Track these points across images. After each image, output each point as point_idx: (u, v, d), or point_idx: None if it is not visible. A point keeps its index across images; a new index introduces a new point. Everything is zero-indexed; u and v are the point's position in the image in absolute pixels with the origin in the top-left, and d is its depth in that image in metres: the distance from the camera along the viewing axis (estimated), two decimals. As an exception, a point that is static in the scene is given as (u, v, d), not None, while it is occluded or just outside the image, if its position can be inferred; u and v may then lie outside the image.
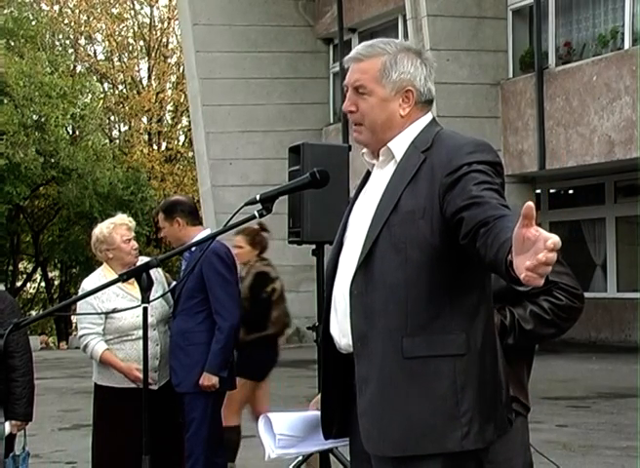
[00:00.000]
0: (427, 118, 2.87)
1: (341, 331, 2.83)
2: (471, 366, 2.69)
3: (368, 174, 2.94)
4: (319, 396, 3.06)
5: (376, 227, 2.74)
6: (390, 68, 2.80)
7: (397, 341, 2.68)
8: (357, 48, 2.87)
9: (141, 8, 34.24)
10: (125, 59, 34.25)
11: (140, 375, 4.95)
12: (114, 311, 5.21)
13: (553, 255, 2.15)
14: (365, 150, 2.92)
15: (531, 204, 2.18)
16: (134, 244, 5.40)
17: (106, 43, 33.77)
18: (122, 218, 5.49)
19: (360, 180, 2.96)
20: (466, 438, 2.66)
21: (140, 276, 3.42)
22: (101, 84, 33.64)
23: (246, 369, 6.69)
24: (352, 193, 5.82)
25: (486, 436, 2.71)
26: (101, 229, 5.41)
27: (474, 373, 2.69)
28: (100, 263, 5.60)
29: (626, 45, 14.13)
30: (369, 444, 2.75)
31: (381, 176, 2.84)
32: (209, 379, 5.25)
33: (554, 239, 2.14)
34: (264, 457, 3.03)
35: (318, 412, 3.01)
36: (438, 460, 2.68)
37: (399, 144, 2.82)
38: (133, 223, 5.52)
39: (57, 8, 33.25)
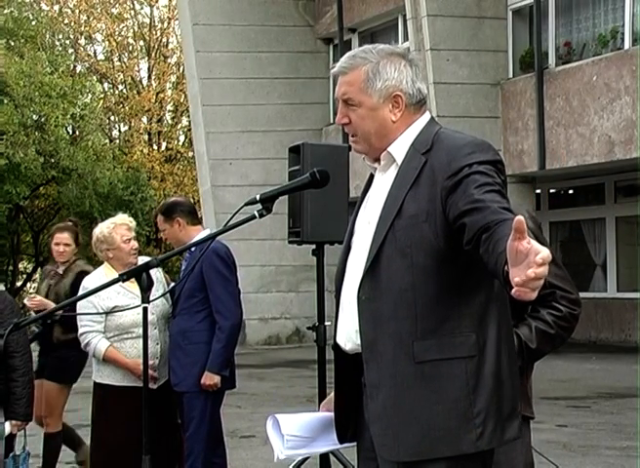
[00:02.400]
0: (425, 119, 2.86)
1: (347, 335, 2.83)
2: (483, 366, 2.68)
3: (371, 177, 2.95)
4: (330, 397, 3.06)
5: (381, 233, 2.74)
6: (374, 77, 2.80)
7: (408, 346, 2.68)
8: (341, 60, 2.87)
9: (141, 8, 34.22)
10: (125, 59, 34.22)
11: (150, 372, 4.96)
12: (116, 310, 5.21)
13: (543, 270, 2.16)
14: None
15: (521, 218, 2.18)
16: (134, 244, 5.40)
17: (106, 43, 33.74)
18: (122, 218, 5.50)
19: (365, 184, 2.96)
20: (481, 438, 2.66)
21: (140, 276, 3.42)
22: (101, 84, 33.62)
23: (63, 372, 6.65)
24: (352, 193, 5.84)
25: (506, 434, 2.71)
26: (102, 229, 5.42)
27: (487, 373, 2.69)
28: (100, 263, 5.61)
29: (626, 45, 14.12)
30: (383, 449, 2.75)
31: (384, 180, 2.84)
32: (211, 378, 5.25)
33: (543, 254, 2.15)
34: (274, 458, 3.02)
35: (328, 413, 3.01)
36: (442, 462, 2.67)
37: (399, 148, 2.81)
38: (133, 223, 5.52)
39: (57, 8, 33.23)
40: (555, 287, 3.27)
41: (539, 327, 3.23)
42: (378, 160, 2.88)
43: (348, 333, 2.82)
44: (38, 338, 6.61)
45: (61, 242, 6.72)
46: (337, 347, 2.91)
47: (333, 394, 3.03)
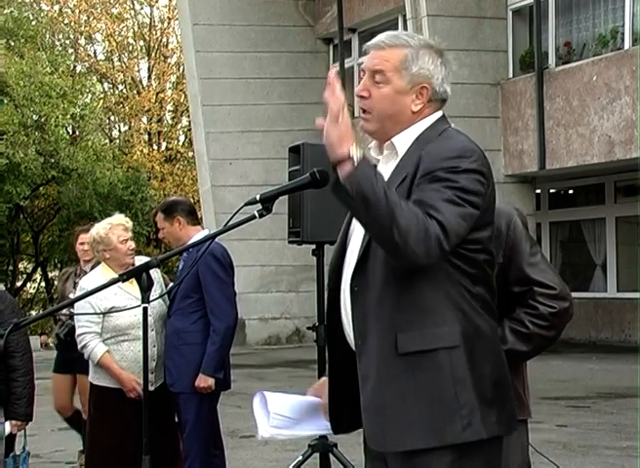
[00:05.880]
0: (437, 115, 2.85)
1: (350, 327, 2.83)
2: (468, 357, 2.67)
3: None
4: (319, 382, 3.07)
5: None
6: (411, 61, 2.79)
7: (392, 337, 2.68)
8: (380, 36, 2.86)
9: (141, 8, 34.23)
10: (125, 59, 34.23)
11: (139, 389, 4.99)
12: (113, 311, 5.20)
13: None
14: (372, 145, 2.92)
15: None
16: (131, 244, 5.37)
17: (106, 43, 33.73)
18: (119, 219, 5.47)
19: None
20: (467, 429, 2.64)
21: (139, 276, 3.42)
22: (101, 84, 33.62)
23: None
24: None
25: (492, 427, 2.68)
26: (98, 230, 5.40)
27: (472, 364, 2.67)
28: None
29: (626, 45, 14.12)
30: (370, 440, 2.76)
31: (384, 172, 2.82)
32: (205, 381, 5.24)
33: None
34: (257, 436, 3.01)
35: (316, 399, 3.03)
36: (446, 453, 2.65)
37: (403, 140, 2.81)
38: (130, 224, 5.49)
39: (57, 8, 33.22)
40: (534, 282, 3.23)
41: (512, 326, 3.20)
42: (381, 150, 2.87)
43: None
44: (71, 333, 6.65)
45: (86, 241, 6.90)
46: (332, 336, 2.91)
47: (321, 380, 3.05)
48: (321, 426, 3.03)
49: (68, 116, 27.63)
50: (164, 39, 33.83)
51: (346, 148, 2.57)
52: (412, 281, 2.67)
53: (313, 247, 5.88)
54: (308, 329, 6.05)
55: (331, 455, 5.44)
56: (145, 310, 3.65)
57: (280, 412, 3.01)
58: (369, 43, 2.87)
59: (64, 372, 7.02)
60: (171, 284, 5.66)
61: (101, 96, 32.87)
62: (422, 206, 2.58)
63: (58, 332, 6.90)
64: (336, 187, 2.59)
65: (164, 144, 34.06)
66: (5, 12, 28.27)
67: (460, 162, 2.66)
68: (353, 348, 2.82)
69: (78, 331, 5.34)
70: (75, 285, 6.92)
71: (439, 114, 2.86)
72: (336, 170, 2.59)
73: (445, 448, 2.66)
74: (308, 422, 3.03)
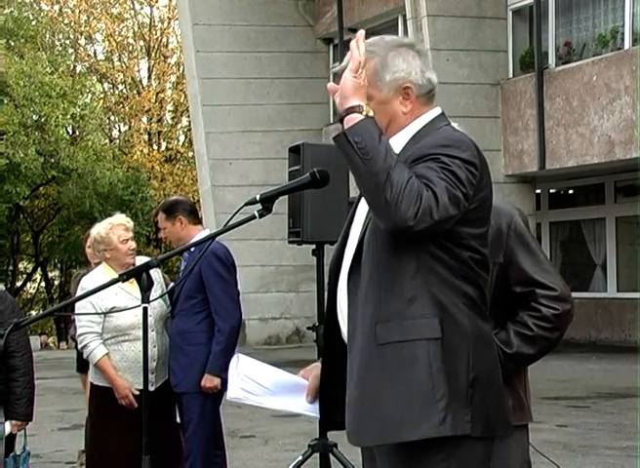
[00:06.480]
0: (433, 113, 2.84)
1: (345, 326, 2.83)
2: (448, 350, 2.63)
3: None
4: (312, 365, 3.06)
5: (365, 220, 2.76)
6: (382, 70, 2.78)
7: (372, 329, 2.67)
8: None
9: (141, 8, 34.27)
10: (125, 59, 34.25)
11: (132, 398, 4.99)
12: (114, 311, 5.20)
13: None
14: None
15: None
16: (131, 244, 5.37)
17: (106, 43, 33.77)
18: (119, 219, 5.46)
19: None
20: (444, 423, 2.60)
21: (140, 276, 3.42)
22: (101, 84, 33.65)
23: None
24: (352, 193, 5.82)
25: (464, 426, 2.62)
26: (99, 229, 5.39)
27: (452, 358, 2.63)
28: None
29: (626, 45, 14.13)
30: (350, 436, 2.73)
31: None
32: (211, 381, 5.24)
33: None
34: (226, 397, 3.01)
35: (302, 380, 3.02)
36: (433, 451, 2.63)
37: (400, 140, 2.80)
38: (130, 223, 5.48)
39: (57, 8, 33.26)
40: (536, 283, 3.22)
41: (516, 330, 3.19)
42: None
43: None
44: None
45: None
46: (328, 332, 2.90)
47: (314, 364, 3.04)
48: (300, 406, 3.01)
49: (68, 116, 27.66)
50: (164, 39, 33.87)
51: (358, 100, 2.65)
52: (393, 272, 2.66)
53: (313, 247, 5.88)
54: (308, 329, 6.05)
55: (331, 455, 5.44)
56: (145, 310, 3.65)
57: (251, 377, 3.00)
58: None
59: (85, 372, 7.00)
60: (172, 284, 5.66)
61: (101, 96, 32.91)
62: (417, 177, 2.59)
63: (72, 334, 6.90)
64: (339, 136, 2.64)
65: (164, 144, 34.08)
66: (5, 12, 28.29)
67: (451, 150, 2.65)
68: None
69: (79, 331, 5.35)
70: None
71: (437, 112, 2.84)
72: (342, 121, 2.65)
73: (432, 447, 2.62)
74: (286, 398, 3.01)
